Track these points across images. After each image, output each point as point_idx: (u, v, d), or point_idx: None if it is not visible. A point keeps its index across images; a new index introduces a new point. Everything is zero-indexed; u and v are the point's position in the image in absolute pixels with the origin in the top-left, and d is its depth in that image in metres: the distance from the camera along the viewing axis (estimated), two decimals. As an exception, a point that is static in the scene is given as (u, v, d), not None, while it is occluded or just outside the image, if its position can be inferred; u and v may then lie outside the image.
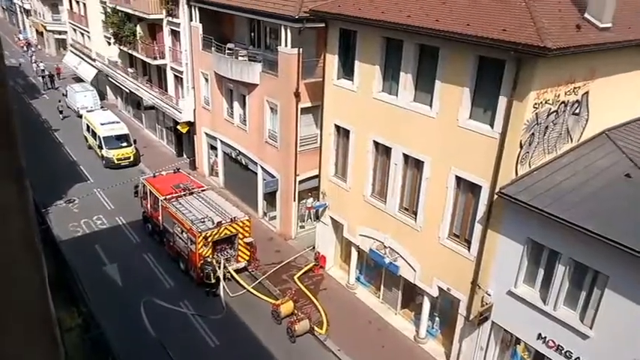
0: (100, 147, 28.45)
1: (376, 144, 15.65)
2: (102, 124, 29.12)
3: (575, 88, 12.40)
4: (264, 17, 19.69)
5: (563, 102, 12.31)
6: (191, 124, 27.11)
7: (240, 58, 21.46)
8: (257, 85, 20.92)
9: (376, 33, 14.42)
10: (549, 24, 11.01)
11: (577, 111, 12.95)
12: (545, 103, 11.81)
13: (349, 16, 14.78)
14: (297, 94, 19.07)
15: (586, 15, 12.10)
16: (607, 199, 11.37)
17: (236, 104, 23.17)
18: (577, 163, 12.81)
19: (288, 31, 18.37)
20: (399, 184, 15.16)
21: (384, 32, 14.20)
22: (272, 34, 20.72)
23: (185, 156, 29.16)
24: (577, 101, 12.73)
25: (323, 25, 16.37)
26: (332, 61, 16.43)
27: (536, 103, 11.55)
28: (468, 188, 13.29)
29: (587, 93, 12.85)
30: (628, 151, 13.17)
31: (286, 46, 18.68)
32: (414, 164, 14.62)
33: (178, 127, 27.62)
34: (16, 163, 1.35)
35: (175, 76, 28.43)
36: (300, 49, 18.42)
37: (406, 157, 14.71)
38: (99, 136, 28.56)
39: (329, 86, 16.81)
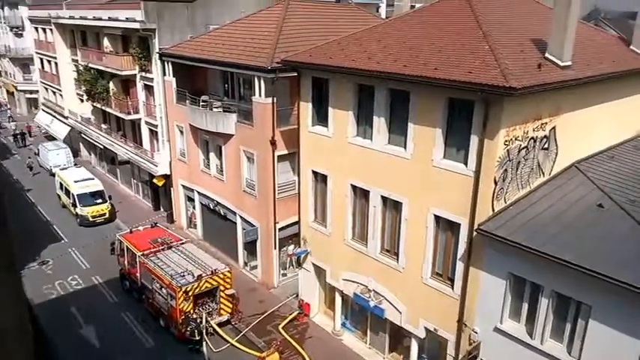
0: (74, 205, 27.87)
1: (354, 188, 15.78)
2: (75, 182, 28.66)
3: (542, 124, 12.89)
4: (237, 69, 20.11)
5: (532, 138, 12.74)
6: (167, 177, 26.94)
7: (214, 109, 21.70)
8: (233, 135, 21.08)
9: (348, 80, 14.84)
10: (513, 65, 11.55)
11: (546, 146, 13.40)
12: (515, 139, 12.20)
13: (321, 65, 15.22)
14: (273, 143, 19.26)
15: (547, 54, 12.74)
16: (582, 229, 11.61)
17: (212, 155, 23.21)
18: (551, 196, 13.12)
19: (262, 81, 18.76)
20: (379, 226, 15.21)
21: (355, 79, 14.63)
22: (246, 85, 21.11)
23: (162, 209, 28.76)
24: (545, 136, 13.19)
25: (296, 74, 16.79)
26: (306, 108, 16.75)
27: (506, 141, 11.92)
28: (447, 226, 13.41)
29: (554, 128, 13.35)
30: (598, 181, 13.60)
31: (260, 95, 19.02)
32: (392, 206, 14.74)
33: (154, 180, 27.39)
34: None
35: (150, 130, 28.45)
36: (274, 98, 18.77)
37: (384, 199, 14.84)
38: (73, 194, 28.03)
39: (304, 133, 17.05)
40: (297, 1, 22.91)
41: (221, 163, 22.64)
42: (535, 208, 12.65)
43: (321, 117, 16.46)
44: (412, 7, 22.94)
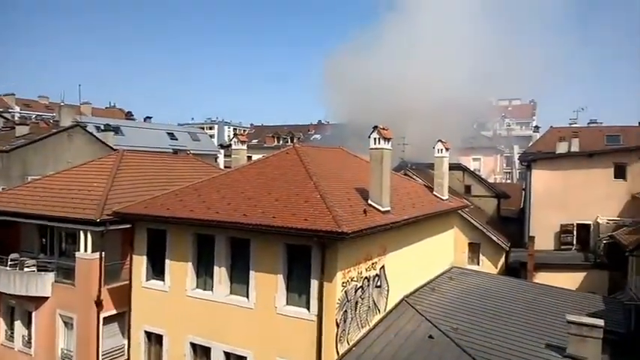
0: None
1: (194, 346, 14.49)
2: None
3: (373, 263, 13.96)
4: (58, 223, 18.25)
5: (366, 277, 13.60)
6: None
7: (26, 269, 18.88)
8: (48, 297, 18.29)
9: (186, 230, 14.50)
10: (342, 211, 12.66)
11: (379, 284, 14.37)
12: (352, 280, 12.87)
13: (157, 216, 14.73)
14: (98, 303, 17.15)
15: (369, 201, 14.31)
16: (421, 362, 12.17)
17: (18, 324, 19.53)
18: (388, 333, 13.74)
19: (89, 234, 17.22)
20: (225, 387, 13.89)
21: (194, 229, 14.38)
22: (69, 239, 19.06)
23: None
24: (377, 275, 14.22)
25: (129, 225, 15.87)
26: (140, 262, 15.63)
27: (344, 282, 12.49)
28: (296, 377, 12.85)
29: (383, 266, 14.53)
30: (425, 313, 14.83)
31: (86, 250, 17.29)
32: (237, 361, 13.78)
33: None
34: None
35: None
36: (103, 253, 17.21)
37: (227, 355, 13.84)
38: None
39: (137, 289, 15.65)
40: (132, 152, 22.67)
41: (29, 332, 19.10)
42: (376, 346, 13.04)
43: (156, 270, 15.44)
44: (249, 158, 24.51)
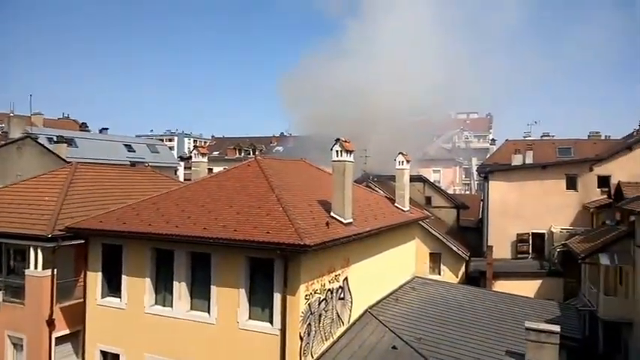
0: None
1: (153, 364, 13.97)
2: None
3: (336, 275, 13.91)
4: (7, 239, 17.31)
5: (329, 290, 13.53)
6: None
7: (-29, 288, 17.77)
8: (-5, 318, 17.26)
9: (144, 245, 14.05)
10: (305, 223, 12.58)
11: (342, 295, 14.33)
12: (315, 293, 12.77)
13: (113, 231, 14.21)
14: (50, 322, 16.30)
15: (332, 214, 14.30)
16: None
17: (-37, 346, 18.35)
18: (352, 345, 13.70)
19: (39, 251, 16.41)
20: (185, 407, 13.42)
21: (152, 244, 13.95)
22: (17, 256, 18.09)
23: None
24: (340, 287, 14.17)
25: (83, 241, 15.24)
26: (95, 279, 15.00)
27: (307, 295, 12.38)
28: (259, 394, 12.57)
29: (346, 278, 14.50)
30: (388, 324, 14.92)
31: (36, 268, 16.44)
32: (199, 379, 13.35)
33: None
34: None
35: None
36: (55, 270, 16.41)
37: (189, 372, 13.41)
38: None
39: (92, 307, 15.00)
40: (86, 165, 21.90)
41: (-25, 356, 17.95)
42: (340, 359, 12.92)
43: (112, 287, 14.85)
44: (210, 170, 24.10)
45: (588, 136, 47.23)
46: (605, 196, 27.97)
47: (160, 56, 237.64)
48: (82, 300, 15.44)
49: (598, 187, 29.44)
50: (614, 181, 27.27)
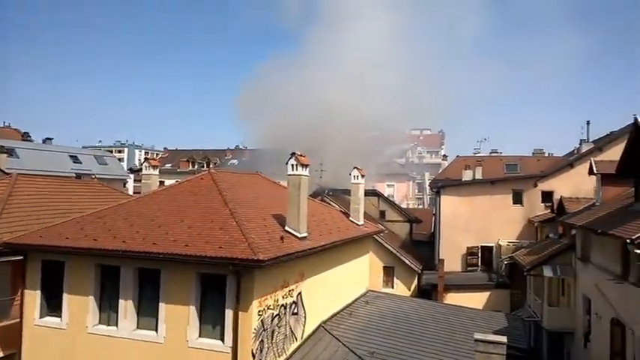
0: None
1: (96, 387, 13.26)
2: None
3: (290, 290, 13.73)
4: None
5: (282, 305, 13.33)
6: None
7: None
8: None
9: (88, 262, 13.38)
10: (259, 238, 12.37)
11: (295, 311, 14.15)
12: (268, 309, 12.55)
13: (54, 246, 13.47)
14: (-17, 344, 15.20)
15: (286, 228, 14.16)
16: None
17: None
18: (305, 361, 13.52)
19: (-28, 268, 15.35)
20: None
21: (97, 260, 13.30)
22: (-53, 274, 16.86)
23: None
24: (294, 302, 14.00)
25: (21, 257, 14.35)
26: (33, 297, 14.12)
27: (259, 311, 12.14)
28: (209, 415, 12.14)
29: (300, 293, 14.35)
30: (342, 338, 14.89)
31: (-32, 286, 15.36)
32: (145, 402, 12.77)
33: None
34: None
35: None
36: (-11, 288, 15.37)
37: (135, 395, 12.81)
38: None
39: (29, 327, 14.09)
40: (28, 176, 20.78)
41: None
42: (294, 376, 12.74)
43: (52, 306, 14.03)
44: (161, 183, 23.42)
45: (533, 153, 49.43)
46: (549, 211, 29.28)
47: (110, 65, 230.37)
48: (18, 320, 14.49)
49: (542, 202, 30.84)
50: (556, 196, 28.56)
